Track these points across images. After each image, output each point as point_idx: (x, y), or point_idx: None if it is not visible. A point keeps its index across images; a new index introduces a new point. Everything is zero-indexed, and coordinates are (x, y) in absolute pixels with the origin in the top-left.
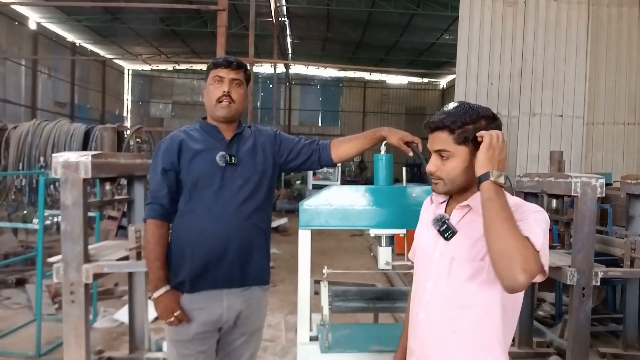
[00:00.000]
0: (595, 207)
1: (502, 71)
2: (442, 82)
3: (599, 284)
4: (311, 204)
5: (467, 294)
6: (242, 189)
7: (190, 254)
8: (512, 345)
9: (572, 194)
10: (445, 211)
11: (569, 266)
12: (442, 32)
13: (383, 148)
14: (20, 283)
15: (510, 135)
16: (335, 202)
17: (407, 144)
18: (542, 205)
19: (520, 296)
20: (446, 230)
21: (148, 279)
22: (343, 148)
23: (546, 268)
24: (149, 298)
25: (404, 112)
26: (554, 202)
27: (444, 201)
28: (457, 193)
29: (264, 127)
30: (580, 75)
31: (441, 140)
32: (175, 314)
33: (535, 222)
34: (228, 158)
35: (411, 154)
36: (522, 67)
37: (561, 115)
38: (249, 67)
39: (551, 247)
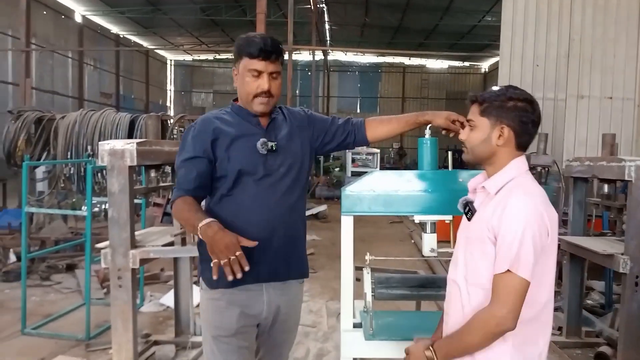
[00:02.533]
0: None
1: (548, 53)
2: (484, 65)
3: None
4: (354, 190)
5: (475, 273)
6: (284, 178)
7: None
8: (560, 334)
9: (626, 178)
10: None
11: (622, 254)
12: (484, 14)
13: (428, 131)
14: (70, 268)
15: (557, 118)
16: (378, 187)
17: (454, 122)
18: (592, 191)
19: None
20: (468, 212)
21: (190, 231)
22: (380, 129)
23: (526, 276)
24: (194, 283)
25: (445, 97)
26: (605, 187)
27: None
28: (482, 164)
29: (294, 108)
30: (630, 55)
31: (472, 111)
32: (235, 242)
33: (504, 242)
34: (269, 146)
35: (460, 132)
36: (569, 48)
37: (611, 98)
38: (284, 52)
39: (602, 234)
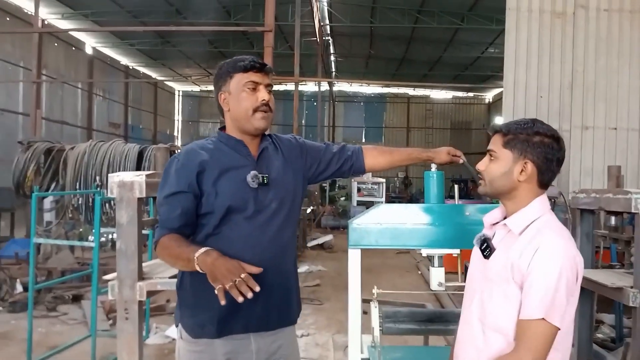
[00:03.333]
0: None
1: (551, 83)
2: (488, 95)
3: None
4: (360, 223)
5: (494, 315)
6: (277, 214)
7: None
8: None
9: (632, 210)
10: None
11: (631, 287)
12: (487, 46)
13: (434, 165)
14: (77, 299)
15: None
16: (385, 220)
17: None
18: (599, 223)
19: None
20: (486, 249)
21: (183, 268)
22: (379, 159)
23: (557, 323)
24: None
25: (449, 127)
26: (612, 219)
27: (496, 223)
28: (499, 198)
29: (284, 136)
30: (634, 86)
31: (494, 141)
32: (237, 266)
33: (536, 287)
34: (260, 179)
35: (461, 160)
36: (573, 79)
37: (615, 128)
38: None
39: (610, 267)
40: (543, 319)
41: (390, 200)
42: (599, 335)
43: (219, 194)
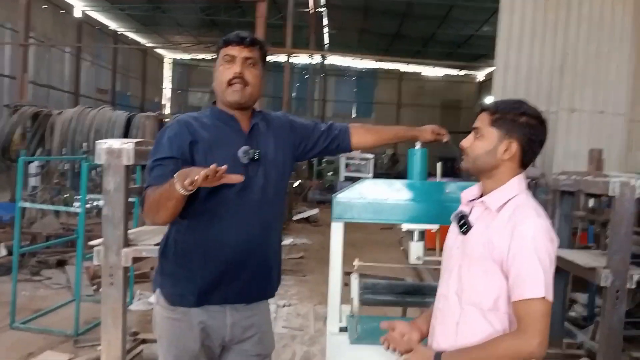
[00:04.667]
0: (633, 208)
1: (542, 66)
2: (479, 75)
3: (634, 287)
4: (344, 197)
5: (472, 291)
6: (264, 191)
7: (202, 262)
8: None
9: (610, 194)
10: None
11: (604, 267)
12: (482, 24)
13: (418, 143)
14: (61, 264)
15: (548, 131)
16: (368, 195)
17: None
18: (578, 205)
19: None
20: (463, 225)
21: (165, 203)
22: (366, 137)
23: (551, 298)
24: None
25: (439, 105)
26: (591, 202)
27: (473, 199)
28: (480, 176)
29: (274, 113)
30: (622, 72)
31: (481, 119)
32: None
33: (527, 268)
34: (251, 154)
35: (445, 139)
36: (563, 62)
37: (602, 112)
38: (266, 46)
39: (586, 247)
40: (544, 297)
41: (377, 176)
42: (572, 314)
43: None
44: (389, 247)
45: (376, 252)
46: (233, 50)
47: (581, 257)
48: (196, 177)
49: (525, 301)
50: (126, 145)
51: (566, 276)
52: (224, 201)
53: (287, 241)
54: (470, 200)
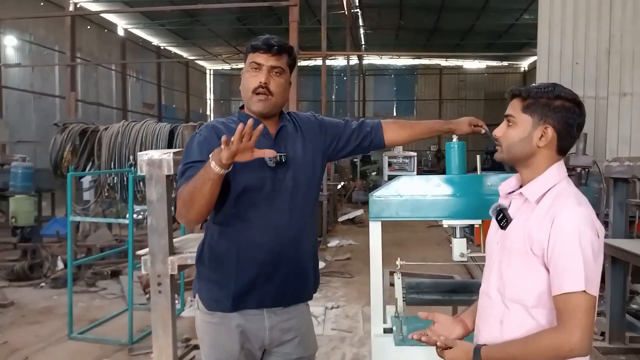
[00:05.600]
0: None
1: (587, 50)
2: (524, 64)
3: None
4: (381, 195)
5: (515, 287)
6: (294, 193)
7: (235, 267)
8: (602, 339)
9: None
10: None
11: None
12: (522, 12)
13: (455, 136)
14: (115, 275)
15: (598, 117)
16: (405, 192)
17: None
18: (633, 191)
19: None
20: (502, 219)
21: (201, 188)
22: (399, 133)
23: (594, 292)
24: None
25: (483, 97)
26: None
27: (511, 191)
28: (516, 165)
29: (303, 113)
30: None
31: (512, 106)
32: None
33: (567, 259)
34: (278, 158)
35: (483, 131)
36: (610, 44)
37: None
38: (295, 51)
39: None
40: (584, 291)
41: (422, 173)
42: (634, 306)
43: (236, 172)
44: (437, 245)
45: (424, 251)
46: (260, 58)
47: (639, 246)
48: (232, 140)
49: (565, 295)
50: (166, 155)
51: (625, 267)
52: (254, 205)
53: (333, 243)
54: (509, 193)
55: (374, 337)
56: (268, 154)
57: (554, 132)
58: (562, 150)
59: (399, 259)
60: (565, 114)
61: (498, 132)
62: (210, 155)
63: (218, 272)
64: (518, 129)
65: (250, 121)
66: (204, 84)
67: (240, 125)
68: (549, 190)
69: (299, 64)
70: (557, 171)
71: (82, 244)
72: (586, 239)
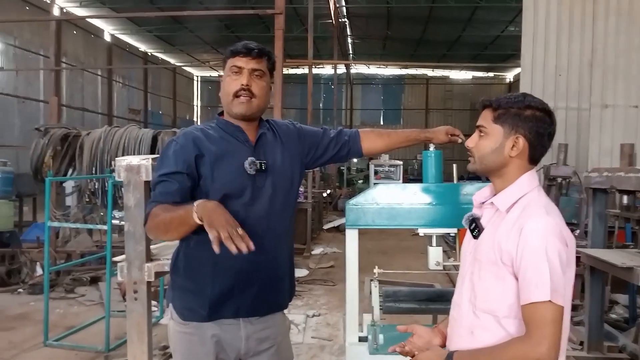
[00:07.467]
0: None
1: (570, 62)
2: (509, 75)
3: None
4: (357, 203)
5: (485, 298)
6: (273, 201)
7: (212, 275)
8: (581, 349)
9: None
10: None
11: None
12: (507, 24)
13: (432, 145)
14: (95, 281)
15: (581, 128)
16: (381, 200)
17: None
18: (612, 203)
19: (566, 314)
20: (474, 229)
21: (177, 227)
22: (377, 142)
23: (561, 302)
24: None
25: (469, 107)
26: (625, 199)
27: (484, 202)
28: (489, 176)
29: (281, 121)
30: None
31: (483, 117)
32: (236, 221)
33: (533, 270)
34: (258, 165)
35: (460, 140)
36: (592, 57)
37: (636, 107)
38: (274, 55)
39: (624, 247)
40: (549, 301)
41: (407, 181)
42: (613, 316)
43: (216, 179)
44: (421, 254)
45: (408, 260)
46: (240, 62)
47: (617, 257)
48: (217, 234)
49: (532, 305)
50: (144, 161)
51: (603, 277)
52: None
53: (317, 250)
54: (483, 203)
55: (349, 345)
56: (250, 247)
57: (525, 141)
58: (533, 159)
59: (376, 267)
60: (536, 124)
61: (470, 142)
62: (195, 205)
63: (193, 281)
64: (490, 140)
65: (241, 232)
66: (191, 91)
67: (237, 231)
68: (519, 199)
69: (286, 72)
70: (527, 181)
71: (62, 250)
72: (553, 249)
